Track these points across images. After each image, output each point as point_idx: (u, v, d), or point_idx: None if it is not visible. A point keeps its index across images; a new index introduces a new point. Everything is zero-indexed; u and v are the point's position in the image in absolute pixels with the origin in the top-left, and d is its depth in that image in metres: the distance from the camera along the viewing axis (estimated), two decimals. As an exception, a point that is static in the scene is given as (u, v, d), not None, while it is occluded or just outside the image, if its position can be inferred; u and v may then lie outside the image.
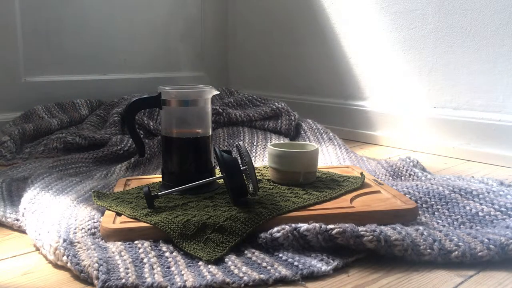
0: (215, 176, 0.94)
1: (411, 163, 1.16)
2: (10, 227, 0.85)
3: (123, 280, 0.61)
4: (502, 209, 0.83)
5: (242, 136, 1.39)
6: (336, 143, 1.38)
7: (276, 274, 0.64)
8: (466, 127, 1.38)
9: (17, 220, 0.84)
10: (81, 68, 1.75)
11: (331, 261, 0.68)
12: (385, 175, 1.10)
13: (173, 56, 1.99)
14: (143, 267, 0.65)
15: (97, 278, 0.61)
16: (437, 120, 1.45)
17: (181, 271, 0.65)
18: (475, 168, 1.27)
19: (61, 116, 1.58)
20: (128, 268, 0.64)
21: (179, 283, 0.61)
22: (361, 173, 0.97)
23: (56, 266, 0.69)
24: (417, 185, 0.93)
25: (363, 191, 0.89)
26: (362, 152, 1.45)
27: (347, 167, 1.08)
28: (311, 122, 1.53)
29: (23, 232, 0.82)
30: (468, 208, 0.85)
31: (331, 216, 0.77)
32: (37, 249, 0.75)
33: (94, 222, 0.77)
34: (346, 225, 0.71)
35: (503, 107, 1.32)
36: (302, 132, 1.49)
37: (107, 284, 0.60)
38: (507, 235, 0.71)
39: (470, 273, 0.67)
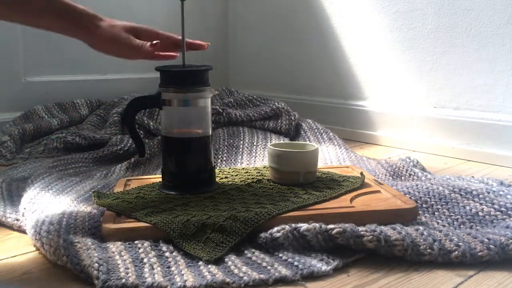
0: (215, 176, 0.94)
1: (411, 163, 1.15)
2: (10, 227, 0.85)
3: (123, 280, 0.61)
4: (502, 209, 0.83)
5: (242, 136, 1.39)
6: (336, 143, 1.38)
7: (276, 274, 0.64)
8: (466, 127, 1.38)
9: (17, 220, 0.84)
10: (81, 68, 1.75)
11: (331, 261, 0.68)
12: (385, 175, 1.10)
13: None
14: (143, 267, 0.65)
15: (97, 278, 0.61)
16: (437, 120, 1.45)
17: (181, 271, 0.65)
18: (475, 168, 1.27)
19: (61, 116, 1.58)
20: (128, 268, 0.64)
21: (179, 283, 0.61)
22: (361, 173, 0.97)
23: (56, 266, 0.69)
24: (417, 185, 0.93)
25: (363, 190, 0.89)
26: (362, 152, 1.45)
27: (347, 167, 1.08)
28: (311, 122, 1.53)
29: (23, 232, 0.82)
30: (468, 208, 0.85)
31: (331, 215, 0.77)
32: (37, 249, 0.75)
33: (94, 222, 0.77)
34: (346, 225, 0.71)
35: (503, 107, 1.32)
36: (302, 132, 1.49)
37: (107, 284, 0.60)
38: (507, 235, 0.71)
39: (470, 273, 0.67)
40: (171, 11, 1.97)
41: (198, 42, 0.92)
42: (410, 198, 0.88)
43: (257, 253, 0.70)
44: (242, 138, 1.37)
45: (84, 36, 0.84)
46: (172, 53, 0.87)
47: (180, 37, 0.88)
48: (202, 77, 0.89)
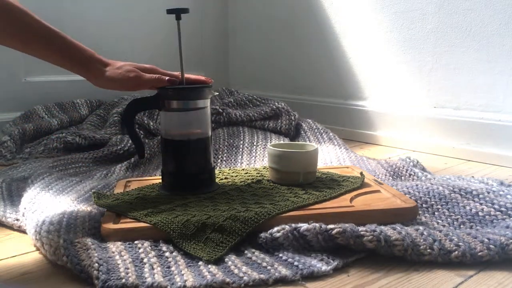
0: (215, 177, 0.94)
1: (411, 163, 1.16)
2: (10, 227, 0.85)
3: (123, 280, 0.61)
4: (502, 209, 0.83)
5: (242, 136, 1.39)
6: (336, 143, 1.38)
7: (276, 274, 0.64)
8: (466, 127, 1.38)
9: (17, 220, 0.85)
10: (81, 68, 1.75)
11: (331, 261, 0.68)
12: (385, 175, 1.10)
13: (173, 56, 1.99)
14: (143, 267, 0.65)
15: (97, 278, 0.61)
16: (437, 120, 1.45)
17: (181, 271, 0.65)
18: (475, 168, 1.27)
19: (61, 116, 1.58)
20: (128, 268, 0.64)
21: (179, 283, 0.61)
22: (361, 173, 0.97)
23: (56, 266, 0.69)
24: (417, 185, 0.93)
25: (363, 190, 0.89)
26: (362, 152, 1.45)
27: (347, 167, 1.08)
28: (311, 122, 1.53)
29: (23, 232, 0.82)
30: (468, 208, 0.85)
31: (331, 215, 0.77)
32: (37, 249, 0.75)
33: (94, 222, 0.77)
34: (346, 225, 0.71)
35: (503, 107, 1.32)
36: (302, 132, 1.49)
37: (107, 284, 0.60)
38: (507, 235, 0.71)
39: (470, 273, 0.67)
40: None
41: (200, 78, 0.93)
42: (410, 198, 0.88)
43: (257, 253, 0.70)
44: (242, 138, 1.38)
45: (90, 79, 0.93)
46: (175, 78, 0.90)
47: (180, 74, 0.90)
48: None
